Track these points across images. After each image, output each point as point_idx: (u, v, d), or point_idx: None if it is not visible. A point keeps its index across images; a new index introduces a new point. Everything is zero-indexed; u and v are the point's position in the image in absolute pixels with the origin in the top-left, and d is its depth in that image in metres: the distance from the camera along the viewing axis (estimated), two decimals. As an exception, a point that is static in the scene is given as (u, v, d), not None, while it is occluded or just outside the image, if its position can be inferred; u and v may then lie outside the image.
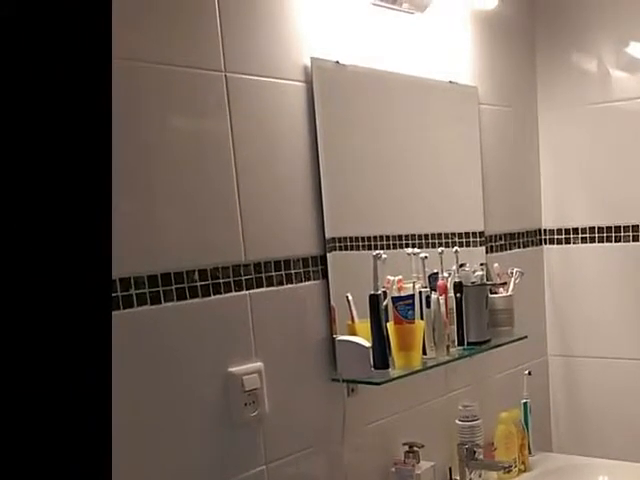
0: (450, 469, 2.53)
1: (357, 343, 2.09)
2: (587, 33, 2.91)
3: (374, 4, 2.26)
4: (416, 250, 2.32)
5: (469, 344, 2.42)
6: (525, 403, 2.82)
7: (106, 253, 1.14)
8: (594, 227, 2.99)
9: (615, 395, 3.05)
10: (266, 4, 1.97)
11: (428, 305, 2.26)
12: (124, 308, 1.69)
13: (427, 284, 2.28)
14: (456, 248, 2.46)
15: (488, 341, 2.48)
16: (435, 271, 2.35)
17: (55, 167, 1.07)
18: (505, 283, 2.60)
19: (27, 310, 1.06)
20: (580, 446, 3.08)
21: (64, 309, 1.08)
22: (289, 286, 2.05)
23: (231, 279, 1.91)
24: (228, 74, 1.88)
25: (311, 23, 2.08)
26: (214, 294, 1.88)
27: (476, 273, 2.45)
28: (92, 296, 1.11)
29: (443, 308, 2.31)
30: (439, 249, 2.39)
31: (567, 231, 3.05)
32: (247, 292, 1.95)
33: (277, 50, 2.00)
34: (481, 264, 2.57)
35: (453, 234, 2.60)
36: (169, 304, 1.79)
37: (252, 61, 1.94)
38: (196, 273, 1.83)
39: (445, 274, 2.37)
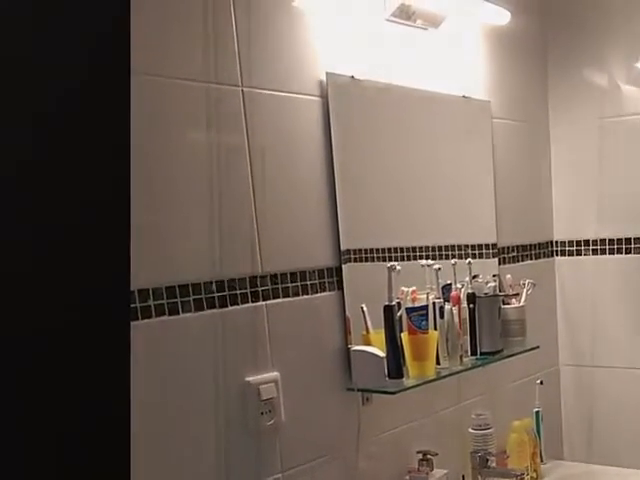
0: (463, 477, 2.54)
1: (372, 353, 2.10)
2: (598, 48, 2.93)
3: (388, 20, 2.28)
4: (430, 262, 2.32)
5: (482, 354, 2.43)
6: (537, 412, 2.83)
7: (125, 264, 1.15)
8: (605, 239, 3.00)
9: (626, 404, 3.05)
10: (282, 20, 1.99)
11: (442, 316, 2.27)
12: (142, 319, 1.71)
13: (441, 295, 2.29)
14: (469, 260, 2.47)
15: (501, 351, 2.49)
16: (448, 282, 2.36)
17: (74, 180, 1.09)
18: (517, 294, 2.61)
19: (47, 321, 1.07)
20: (591, 454, 3.09)
21: (83, 320, 1.10)
22: (305, 297, 2.06)
23: (248, 290, 1.92)
24: (245, 89, 1.90)
25: (326, 39, 2.10)
26: (231, 305, 1.88)
27: (489, 284, 2.47)
28: (111, 307, 1.12)
29: (456, 319, 2.32)
30: (452, 261, 2.42)
31: (578, 243, 3.06)
32: (263, 303, 1.96)
33: (293, 65, 2.02)
34: (494, 275, 2.58)
35: (466, 246, 2.61)
36: (187, 315, 1.80)
37: (269, 76, 1.96)
38: (213, 284, 1.85)
39: (458, 285, 2.39)
